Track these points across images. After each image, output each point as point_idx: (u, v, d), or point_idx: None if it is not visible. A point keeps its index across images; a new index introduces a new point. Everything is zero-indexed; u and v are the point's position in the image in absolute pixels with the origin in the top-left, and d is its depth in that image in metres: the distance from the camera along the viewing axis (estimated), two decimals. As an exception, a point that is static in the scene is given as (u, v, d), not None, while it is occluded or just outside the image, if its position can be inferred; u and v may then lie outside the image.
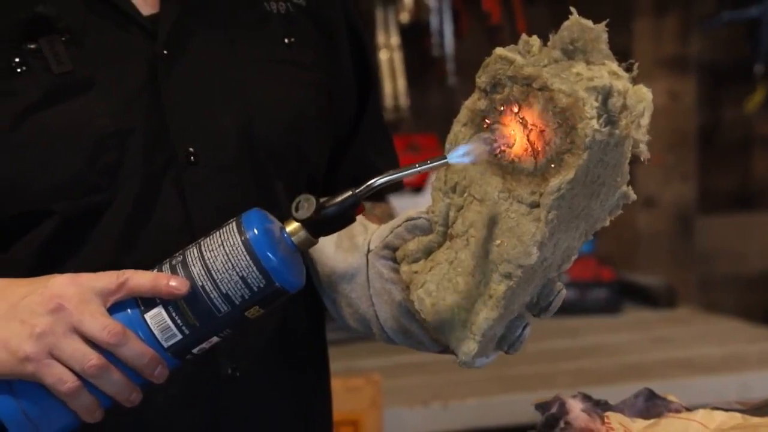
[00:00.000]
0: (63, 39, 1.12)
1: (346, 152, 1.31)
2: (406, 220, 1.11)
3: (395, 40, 3.00)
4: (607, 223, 1.06)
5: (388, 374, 2.30)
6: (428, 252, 1.09)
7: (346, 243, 1.15)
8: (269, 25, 1.23)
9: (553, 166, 0.99)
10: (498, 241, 1.03)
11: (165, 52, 1.16)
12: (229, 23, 1.21)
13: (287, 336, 1.23)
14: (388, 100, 2.97)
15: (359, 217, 1.19)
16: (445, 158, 1.01)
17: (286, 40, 1.24)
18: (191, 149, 1.15)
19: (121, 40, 1.15)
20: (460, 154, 1.01)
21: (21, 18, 1.11)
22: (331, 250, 1.16)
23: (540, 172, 1.00)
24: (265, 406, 1.22)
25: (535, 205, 1.00)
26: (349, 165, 1.30)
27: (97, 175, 1.12)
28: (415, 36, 3.05)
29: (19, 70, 1.11)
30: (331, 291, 1.17)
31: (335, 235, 1.14)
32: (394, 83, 2.99)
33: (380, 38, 2.99)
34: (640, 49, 3.20)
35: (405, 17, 3.02)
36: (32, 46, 1.12)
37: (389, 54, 2.99)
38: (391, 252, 1.12)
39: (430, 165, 1.02)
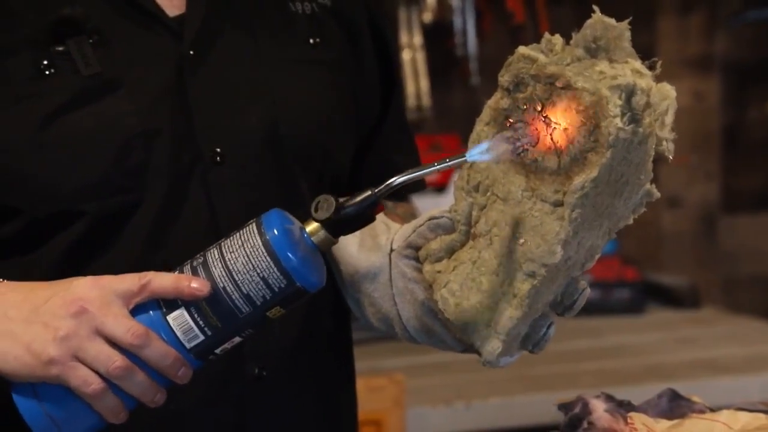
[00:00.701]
0: (90, 41, 1.13)
1: (368, 152, 1.31)
2: (429, 219, 1.11)
3: (418, 39, 3.00)
4: (631, 222, 1.06)
5: (411, 374, 2.30)
6: (451, 251, 1.09)
7: (369, 242, 1.15)
8: (295, 26, 1.24)
9: (576, 164, 0.99)
10: (522, 240, 1.02)
11: (191, 52, 1.16)
12: (255, 24, 1.21)
13: (313, 336, 1.24)
14: (410, 100, 2.97)
15: (382, 217, 1.19)
16: (464, 156, 1.01)
17: (311, 41, 1.24)
18: (217, 149, 1.15)
19: (147, 41, 1.16)
20: (479, 151, 1.01)
21: (48, 20, 1.12)
22: (354, 249, 1.16)
23: (563, 171, 1.00)
24: (291, 404, 1.22)
25: (558, 204, 1.00)
26: (371, 164, 1.30)
27: (124, 175, 1.12)
28: (438, 36, 3.05)
29: (47, 72, 1.11)
30: (353, 291, 1.17)
31: (358, 234, 1.14)
32: (416, 83, 2.99)
33: (403, 38, 2.99)
34: (664, 48, 3.19)
35: (428, 17, 3.02)
36: (60, 49, 1.12)
37: (412, 54, 2.99)
38: (414, 251, 1.12)
39: (449, 163, 1.02)
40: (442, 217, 1.10)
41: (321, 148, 1.22)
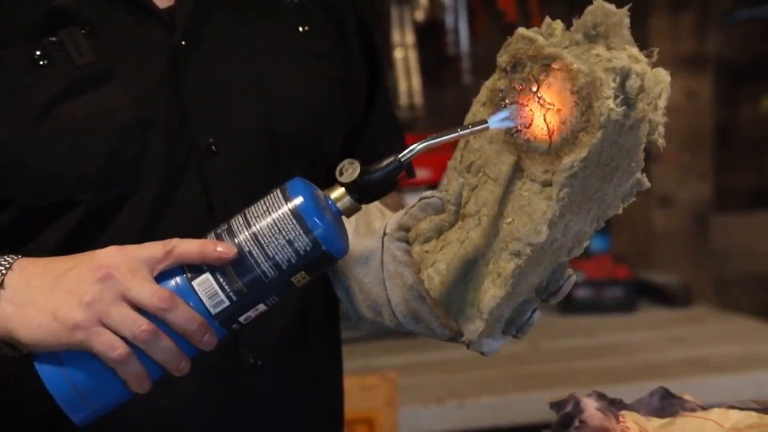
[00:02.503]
0: (83, 31, 1.13)
1: (356, 142, 1.32)
2: (420, 200, 1.11)
3: (410, 38, 3.00)
4: (620, 211, 1.06)
5: (404, 372, 2.30)
6: (440, 232, 1.10)
7: (363, 228, 1.16)
8: (284, 15, 1.25)
9: (567, 145, 0.99)
10: (509, 219, 1.03)
11: (183, 43, 1.17)
12: (245, 13, 1.22)
13: (306, 324, 1.24)
14: (403, 99, 2.96)
15: (377, 204, 1.20)
16: (486, 122, 1.02)
17: (300, 29, 1.25)
18: (211, 140, 1.16)
19: (139, 32, 1.16)
20: (501, 118, 1.02)
21: (41, 11, 1.12)
22: (349, 235, 1.17)
23: (554, 151, 1.00)
24: (289, 392, 1.23)
25: (547, 184, 1.01)
26: (359, 154, 1.31)
27: (121, 166, 1.13)
28: (431, 34, 3.05)
29: (41, 62, 1.12)
30: (345, 277, 1.17)
31: (353, 221, 1.15)
32: (409, 81, 2.98)
33: (395, 36, 2.99)
34: (656, 46, 3.18)
35: (420, 15, 3.02)
36: (53, 39, 1.12)
37: (404, 52, 2.99)
38: (406, 233, 1.12)
39: (471, 130, 1.02)
40: (433, 196, 1.10)
41: (313, 138, 1.23)
